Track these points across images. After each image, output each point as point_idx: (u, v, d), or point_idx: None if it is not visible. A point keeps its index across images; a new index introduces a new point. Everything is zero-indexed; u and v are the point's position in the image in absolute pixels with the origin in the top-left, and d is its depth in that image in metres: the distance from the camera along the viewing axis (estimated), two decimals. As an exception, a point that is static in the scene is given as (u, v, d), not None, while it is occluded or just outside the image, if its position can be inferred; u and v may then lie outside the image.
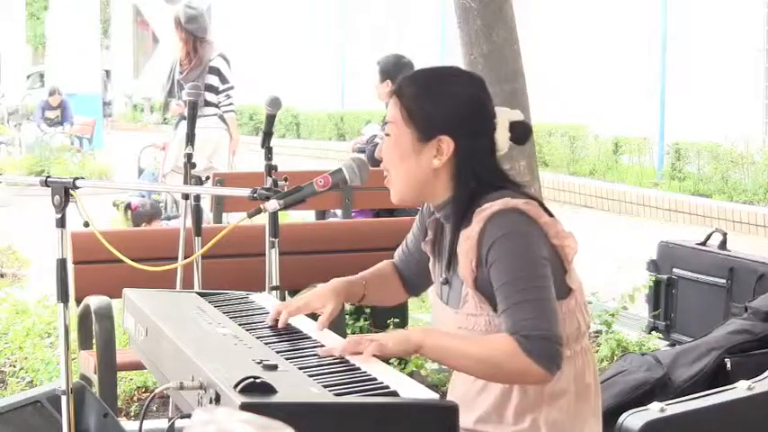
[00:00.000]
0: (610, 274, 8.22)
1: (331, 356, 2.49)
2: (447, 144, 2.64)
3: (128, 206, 8.98)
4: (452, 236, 2.66)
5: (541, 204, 2.66)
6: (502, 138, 2.70)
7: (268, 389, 2.12)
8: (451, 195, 2.67)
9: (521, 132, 2.74)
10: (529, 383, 2.59)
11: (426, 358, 2.62)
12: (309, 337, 2.66)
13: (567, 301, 2.63)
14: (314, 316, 2.79)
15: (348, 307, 5.40)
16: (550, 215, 2.64)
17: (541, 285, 2.53)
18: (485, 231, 2.56)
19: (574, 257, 2.64)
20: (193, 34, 8.27)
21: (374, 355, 2.51)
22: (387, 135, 2.71)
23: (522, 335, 2.48)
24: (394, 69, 6.90)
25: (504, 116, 2.72)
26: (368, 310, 5.78)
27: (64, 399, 3.06)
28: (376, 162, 6.51)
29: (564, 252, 2.62)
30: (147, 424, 4.60)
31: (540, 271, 2.54)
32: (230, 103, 8.34)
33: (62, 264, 3.05)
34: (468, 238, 2.59)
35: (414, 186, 2.68)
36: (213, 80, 8.23)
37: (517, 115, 2.74)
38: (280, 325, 2.73)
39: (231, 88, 8.33)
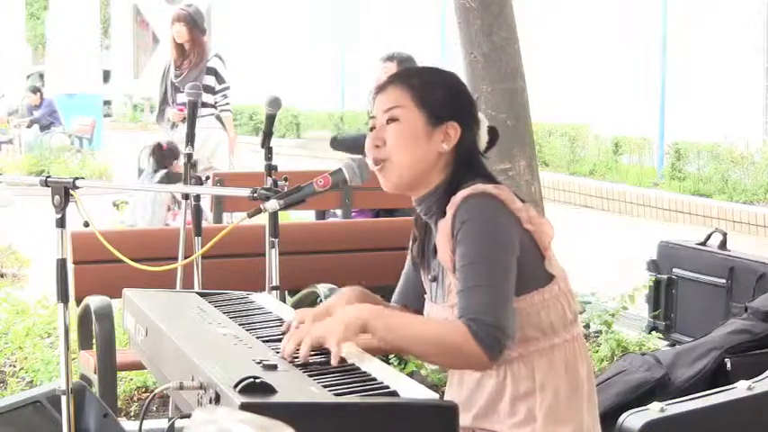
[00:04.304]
0: (610, 274, 8.22)
1: (324, 355, 2.48)
2: (455, 130, 2.70)
3: (158, 146, 8.92)
4: (436, 228, 2.70)
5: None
6: (483, 138, 2.78)
7: (268, 389, 2.12)
8: (441, 182, 2.70)
9: (493, 138, 2.81)
10: (471, 368, 2.62)
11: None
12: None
13: (550, 287, 2.65)
14: None
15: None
16: (522, 201, 2.67)
17: (499, 272, 2.55)
18: (456, 216, 2.60)
19: (551, 243, 2.66)
20: (202, 34, 8.26)
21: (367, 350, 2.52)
22: (391, 120, 2.70)
23: (471, 318, 2.50)
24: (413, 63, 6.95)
25: (484, 119, 2.80)
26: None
27: (64, 399, 3.06)
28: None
29: (540, 238, 2.64)
30: (147, 424, 4.60)
31: (501, 258, 2.56)
32: (227, 103, 8.34)
33: (62, 264, 3.05)
34: (443, 227, 2.63)
35: (416, 171, 2.70)
36: (210, 80, 8.21)
37: (487, 121, 2.83)
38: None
39: (227, 88, 8.32)
